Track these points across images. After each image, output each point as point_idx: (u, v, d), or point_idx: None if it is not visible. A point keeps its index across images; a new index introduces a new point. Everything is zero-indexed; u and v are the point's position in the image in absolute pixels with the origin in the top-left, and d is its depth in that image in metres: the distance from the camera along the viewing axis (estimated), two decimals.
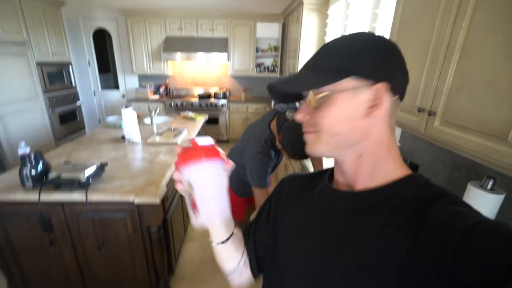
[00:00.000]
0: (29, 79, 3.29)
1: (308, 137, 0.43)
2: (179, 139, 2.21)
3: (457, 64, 0.83)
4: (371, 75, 0.38)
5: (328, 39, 2.98)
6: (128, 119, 2.09)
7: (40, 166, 1.37)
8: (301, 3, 3.09)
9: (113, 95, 5.16)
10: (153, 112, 2.70)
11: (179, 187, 0.49)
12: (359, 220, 0.41)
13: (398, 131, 1.60)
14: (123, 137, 2.19)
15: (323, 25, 3.10)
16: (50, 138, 3.65)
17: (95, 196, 1.31)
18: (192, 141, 0.46)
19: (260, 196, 1.25)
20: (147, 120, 2.95)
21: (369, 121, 0.39)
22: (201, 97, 4.68)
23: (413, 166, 1.47)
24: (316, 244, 0.45)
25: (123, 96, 5.12)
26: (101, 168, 1.45)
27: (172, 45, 4.41)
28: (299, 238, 0.48)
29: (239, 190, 1.49)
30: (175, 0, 4.55)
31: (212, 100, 4.58)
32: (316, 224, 0.46)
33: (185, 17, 4.37)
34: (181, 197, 1.98)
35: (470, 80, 0.79)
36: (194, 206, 0.46)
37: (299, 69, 0.45)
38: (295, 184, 0.56)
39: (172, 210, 1.66)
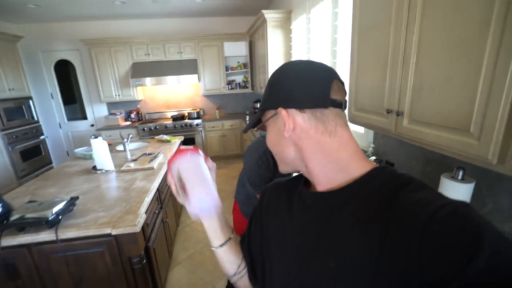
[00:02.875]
0: None
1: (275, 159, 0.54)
2: (155, 163, 2.13)
3: (415, 65, 0.90)
4: (272, 105, 0.48)
5: (294, 53, 3.11)
6: (98, 148, 1.99)
7: None
8: (265, 21, 3.22)
9: (81, 125, 4.91)
10: (125, 139, 2.60)
11: (170, 179, 0.56)
12: (333, 219, 0.43)
13: (370, 132, 1.68)
14: (94, 168, 2.07)
15: (288, 40, 3.23)
16: (12, 177, 3.36)
17: (67, 233, 1.20)
18: (179, 148, 0.59)
19: None
20: (119, 147, 2.83)
21: (293, 137, 0.47)
22: (174, 118, 4.61)
23: (389, 164, 1.53)
24: (297, 245, 0.47)
25: (92, 125, 4.89)
26: (71, 203, 1.34)
27: (140, 70, 4.35)
28: (282, 242, 0.51)
29: (247, 211, 1.48)
30: (140, 26, 4.54)
31: (187, 121, 4.52)
32: (296, 226, 0.49)
33: (152, 43, 4.36)
34: (163, 221, 1.89)
35: (429, 79, 0.85)
36: (185, 193, 0.53)
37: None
38: (277, 191, 0.59)
39: (154, 236, 1.56)
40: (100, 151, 2.00)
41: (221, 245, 0.59)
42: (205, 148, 4.69)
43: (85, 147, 2.65)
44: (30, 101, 3.88)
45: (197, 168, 0.54)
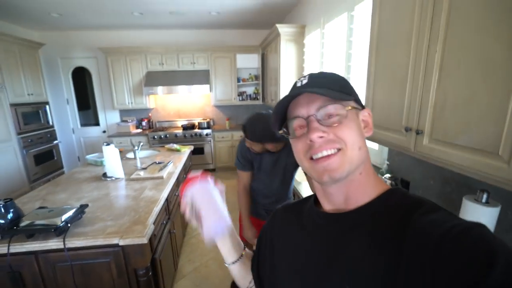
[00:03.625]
0: (1, 121, 3.14)
1: (332, 160, 0.42)
2: (165, 173, 2.13)
3: (437, 84, 0.87)
4: (360, 102, 0.48)
5: (307, 66, 3.12)
6: (110, 156, 2.00)
7: (10, 214, 1.25)
8: (278, 35, 3.26)
9: (94, 132, 5.01)
10: (136, 147, 2.62)
11: (183, 208, 0.57)
12: (347, 240, 0.42)
13: (385, 149, 1.63)
14: (104, 175, 2.08)
15: (300, 54, 3.25)
16: (24, 180, 3.41)
17: (75, 242, 1.19)
18: (188, 176, 0.59)
19: (239, 176, 1.53)
20: (130, 155, 2.85)
21: (365, 142, 0.46)
22: (185, 128, 4.65)
23: (404, 183, 1.48)
24: (311, 265, 0.46)
25: (104, 131, 4.98)
26: (81, 210, 1.34)
27: (153, 79, 4.44)
28: (295, 262, 0.49)
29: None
30: (156, 36, 4.67)
31: (196, 130, 4.56)
32: (308, 248, 0.48)
33: (166, 52, 4.46)
34: (170, 232, 1.86)
35: (452, 99, 0.82)
36: (199, 221, 0.55)
37: (288, 91, 0.49)
38: (286, 213, 0.58)
39: (161, 248, 1.53)
40: (111, 159, 2.02)
41: (233, 262, 0.61)
42: (213, 158, 4.69)
43: (96, 154, 2.68)
44: (47, 106, 3.98)
45: (209, 195, 0.57)
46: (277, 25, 3.15)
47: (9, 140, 3.24)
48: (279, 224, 0.58)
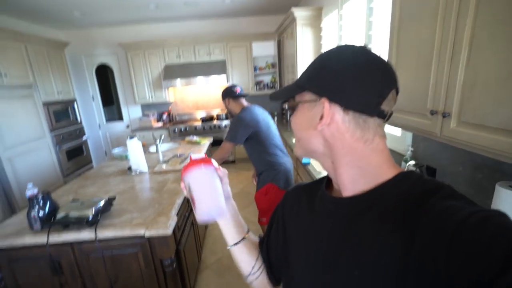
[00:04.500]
0: (36, 119, 3.36)
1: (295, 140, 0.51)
2: None
3: (466, 60, 0.80)
4: (316, 89, 0.43)
5: (324, 51, 3.01)
6: (134, 149, 2.08)
7: (47, 207, 1.34)
8: (294, 20, 3.15)
9: (118, 127, 5.23)
10: (157, 140, 2.70)
11: (182, 188, 0.59)
12: (356, 225, 0.41)
13: (408, 135, 1.55)
14: (129, 168, 2.17)
15: (317, 38, 3.14)
16: (58, 175, 3.66)
17: (105, 233, 1.26)
18: (190, 157, 0.59)
19: (225, 146, 1.83)
20: (152, 148, 2.95)
21: (325, 132, 0.43)
22: (203, 120, 4.71)
23: (430, 170, 1.40)
24: (320, 251, 0.46)
25: (128, 126, 5.18)
26: (109, 203, 1.41)
27: (171, 72, 4.51)
28: (305, 247, 0.49)
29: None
30: (172, 29, 4.71)
31: (215, 122, 4.61)
32: (318, 232, 0.47)
33: (182, 45, 4.49)
34: (193, 224, 1.92)
35: (483, 76, 0.75)
36: (193, 204, 0.55)
37: None
38: (298, 195, 0.58)
39: (185, 239, 1.59)
40: (135, 152, 2.10)
41: (235, 244, 0.61)
42: (233, 150, 4.73)
43: (121, 148, 2.80)
44: (75, 103, 4.19)
45: (205, 180, 0.56)
46: (293, 9, 3.05)
47: (43, 137, 3.46)
48: (291, 206, 0.57)
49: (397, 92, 0.43)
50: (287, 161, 1.92)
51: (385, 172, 0.42)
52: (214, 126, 4.57)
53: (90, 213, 1.28)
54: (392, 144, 1.69)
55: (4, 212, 2.84)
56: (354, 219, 0.42)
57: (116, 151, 2.73)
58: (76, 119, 4.21)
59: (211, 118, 4.76)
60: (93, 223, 1.27)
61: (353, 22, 2.22)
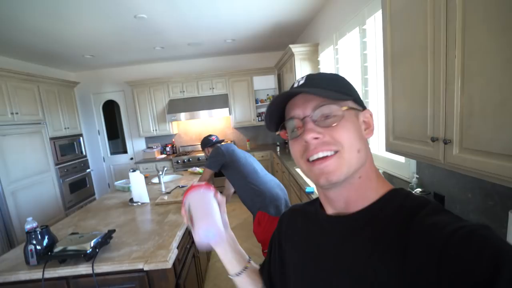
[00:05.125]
0: (42, 154, 3.42)
1: (329, 163, 0.41)
2: None
3: (461, 90, 0.82)
4: (361, 102, 0.46)
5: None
6: (136, 181, 2.08)
7: (45, 241, 1.31)
8: (292, 55, 3.33)
9: (122, 159, 5.28)
10: (160, 172, 2.70)
11: (183, 212, 0.59)
12: (350, 246, 0.41)
13: (412, 162, 1.55)
14: (131, 200, 2.15)
15: (315, 71, 3.28)
16: (60, 208, 3.61)
17: (102, 267, 1.21)
18: (192, 184, 0.63)
19: (204, 172, 2.17)
20: (155, 180, 2.94)
21: (365, 142, 0.44)
22: None
23: (438, 197, 1.37)
24: (315, 272, 0.45)
25: (131, 158, 5.23)
26: (108, 236, 1.38)
27: (175, 106, 4.66)
28: (300, 269, 0.49)
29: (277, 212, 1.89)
30: (176, 67, 4.97)
31: None
32: (313, 252, 0.47)
33: (186, 81, 4.70)
34: (194, 256, 1.84)
35: (479, 104, 0.76)
36: (192, 226, 0.56)
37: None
38: (293, 217, 0.58)
39: (185, 273, 1.52)
40: (137, 184, 2.09)
41: (237, 274, 0.59)
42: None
43: (124, 180, 2.79)
44: (81, 138, 4.28)
45: (204, 203, 0.58)
46: (291, 46, 3.23)
47: (48, 170, 3.49)
48: (287, 229, 0.57)
49: None
50: (272, 187, 1.98)
51: (382, 186, 0.44)
52: None
53: (88, 246, 1.24)
54: (396, 170, 1.68)
55: (3, 247, 2.76)
56: (348, 239, 0.42)
57: (119, 183, 2.72)
58: (81, 152, 4.27)
59: None
60: (90, 257, 1.23)
61: (348, 55, 2.34)
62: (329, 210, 0.48)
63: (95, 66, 4.70)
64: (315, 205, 0.53)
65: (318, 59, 3.17)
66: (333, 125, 0.41)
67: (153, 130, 4.85)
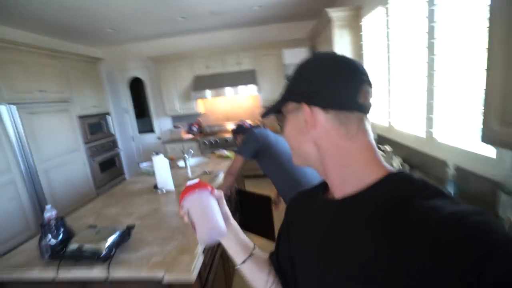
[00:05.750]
0: (71, 132, 3.43)
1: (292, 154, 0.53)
2: (215, 185, 1.97)
3: None
4: (296, 97, 0.47)
5: (366, 54, 2.68)
6: (160, 167, 1.92)
7: (61, 235, 1.20)
8: (329, 21, 2.87)
9: (149, 138, 5.27)
10: (186, 155, 2.54)
11: (182, 215, 0.60)
12: (347, 228, 0.42)
13: (508, 156, 1.16)
14: (155, 186, 2.01)
15: (357, 40, 2.83)
16: (91, 187, 3.69)
17: (119, 272, 1.06)
18: (186, 185, 0.61)
19: (235, 159, 1.85)
20: (181, 163, 2.80)
21: (313, 135, 0.46)
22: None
23: None
24: (318, 256, 0.46)
25: (159, 138, 5.20)
26: (127, 233, 1.23)
27: (200, 83, 4.44)
28: (306, 253, 0.50)
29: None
30: (200, 41, 4.68)
31: None
32: (316, 236, 0.48)
33: (211, 56, 4.42)
34: (222, 256, 1.66)
35: None
36: (194, 228, 0.57)
37: None
38: (300, 202, 0.59)
39: (212, 278, 1.34)
40: (161, 170, 1.93)
41: (243, 262, 0.60)
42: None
43: (149, 163, 2.68)
44: (108, 116, 4.27)
45: (203, 205, 0.58)
46: (327, 9, 2.78)
47: (78, 149, 3.52)
48: (295, 211, 0.59)
49: (371, 86, 0.45)
50: (311, 180, 1.62)
51: (374, 172, 0.43)
52: None
53: (103, 247, 1.09)
54: (483, 168, 1.27)
55: (37, 226, 2.85)
56: (346, 222, 0.43)
57: (144, 166, 2.62)
58: (110, 131, 4.27)
59: None
60: (106, 259, 1.08)
61: (407, 14, 1.89)
62: (332, 189, 0.48)
63: (119, 41, 4.56)
64: (319, 187, 0.54)
65: (360, 23, 2.69)
66: (283, 127, 0.51)
67: (179, 109, 4.72)
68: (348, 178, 0.44)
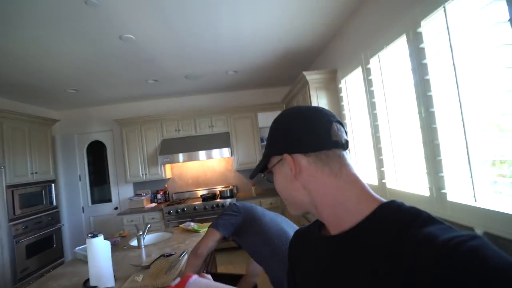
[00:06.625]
0: None
1: (287, 204, 0.54)
2: (174, 276, 1.41)
3: None
4: (277, 151, 0.51)
5: (348, 111, 2.60)
6: (96, 255, 1.35)
7: None
8: (306, 83, 2.86)
9: (105, 209, 4.48)
10: (140, 231, 1.98)
11: None
12: (346, 266, 0.42)
13: None
14: (86, 283, 1.39)
15: (334, 101, 2.80)
16: (7, 281, 2.73)
17: None
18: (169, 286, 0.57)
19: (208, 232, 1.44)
20: (134, 242, 2.18)
21: (301, 181, 0.48)
22: (204, 198, 4.01)
23: None
24: None
25: (116, 208, 4.44)
26: None
27: (169, 147, 4.06)
28: None
29: None
30: (171, 104, 4.51)
31: (218, 200, 3.90)
32: (317, 275, 0.48)
33: (182, 118, 4.19)
34: None
35: None
36: None
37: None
38: (299, 240, 0.59)
39: None
40: (97, 259, 1.36)
41: None
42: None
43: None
44: (52, 185, 3.57)
45: None
46: (304, 73, 2.78)
47: None
48: (296, 252, 0.58)
49: (341, 124, 0.50)
50: None
51: (366, 205, 0.44)
52: (217, 205, 3.84)
53: None
54: None
55: None
56: (344, 259, 0.43)
57: (80, 249, 1.96)
58: (51, 203, 3.51)
59: (213, 196, 4.07)
60: None
61: (387, 73, 1.83)
62: (327, 226, 0.49)
63: (81, 104, 4.20)
64: (316, 224, 0.55)
65: (340, 86, 2.68)
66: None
67: (142, 174, 4.17)
68: (342, 216, 0.45)
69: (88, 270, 1.41)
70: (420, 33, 1.47)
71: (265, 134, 4.41)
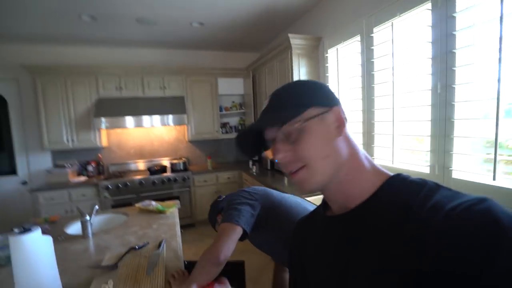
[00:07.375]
0: None
1: (299, 176, 0.45)
2: (158, 281, 1.01)
3: None
4: (326, 102, 0.46)
5: (330, 83, 2.44)
6: (31, 260, 0.84)
7: None
8: (289, 48, 2.56)
9: (6, 184, 3.39)
10: (87, 216, 1.45)
11: None
12: (354, 244, 0.42)
13: None
14: None
15: (314, 71, 2.61)
16: None
17: None
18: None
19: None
20: (74, 229, 1.61)
21: (344, 137, 0.45)
22: (152, 172, 3.43)
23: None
24: (329, 277, 0.45)
25: (25, 182, 3.41)
26: None
27: (109, 108, 3.25)
28: (319, 278, 0.49)
29: None
30: (113, 54, 3.58)
31: (169, 174, 3.38)
32: (325, 258, 0.47)
33: (126, 75, 3.38)
34: None
35: None
36: None
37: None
38: (303, 227, 0.58)
39: None
40: (33, 267, 0.84)
41: None
42: (192, 210, 3.50)
43: (0, 236, 1.37)
44: None
45: None
46: (290, 35, 2.46)
47: None
48: (300, 240, 0.57)
49: None
50: None
51: (376, 179, 0.44)
52: (168, 179, 3.33)
53: None
54: None
55: None
56: (351, 237, 0.42)
57: None
58: None
59: (163, 170, 3.51)
60: None
61: (398, 44, 1.69)
62: (333, 206, 0.48)
63: None
64: (319, 209, 0.54)
65: (326, 55, 2.47)
66: (297, 141, 0.44)
67: (67, 141, 3.26)
68: (359, 184, 0.44)
69: (14, 281, 0.88)
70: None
71: (224, 102, 3.99)
